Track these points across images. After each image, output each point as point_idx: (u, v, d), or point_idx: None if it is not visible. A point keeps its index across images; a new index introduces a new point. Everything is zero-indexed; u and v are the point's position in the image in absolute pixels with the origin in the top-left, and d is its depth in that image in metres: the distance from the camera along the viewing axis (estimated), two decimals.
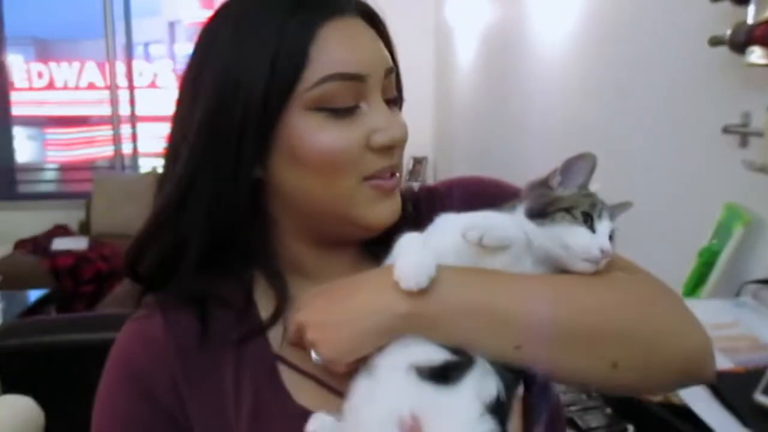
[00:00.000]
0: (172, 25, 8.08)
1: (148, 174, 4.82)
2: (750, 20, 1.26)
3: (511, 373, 0.57)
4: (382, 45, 0.66)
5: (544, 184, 0.64)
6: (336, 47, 0.61)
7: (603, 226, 0.60)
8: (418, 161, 4.84)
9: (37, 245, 4.24)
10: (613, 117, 2.03)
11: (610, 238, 0.60)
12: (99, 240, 4.34)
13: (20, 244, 4.31)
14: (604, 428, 1.08)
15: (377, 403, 0.55)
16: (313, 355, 0.59)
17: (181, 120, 0.65)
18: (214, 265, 0.65)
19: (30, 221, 4.63)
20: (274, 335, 0.66)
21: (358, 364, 0.58)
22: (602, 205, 0.61)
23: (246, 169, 0.62)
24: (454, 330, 0.56)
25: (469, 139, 4.03)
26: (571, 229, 0.59)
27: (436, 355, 0.56)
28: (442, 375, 0.54)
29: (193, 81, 0.64)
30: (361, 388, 0.57)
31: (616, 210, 0.63)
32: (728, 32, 1.33)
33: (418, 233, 0.61)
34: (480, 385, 0.54)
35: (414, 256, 0.58)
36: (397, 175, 0.66)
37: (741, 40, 1.29)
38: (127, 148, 5.18)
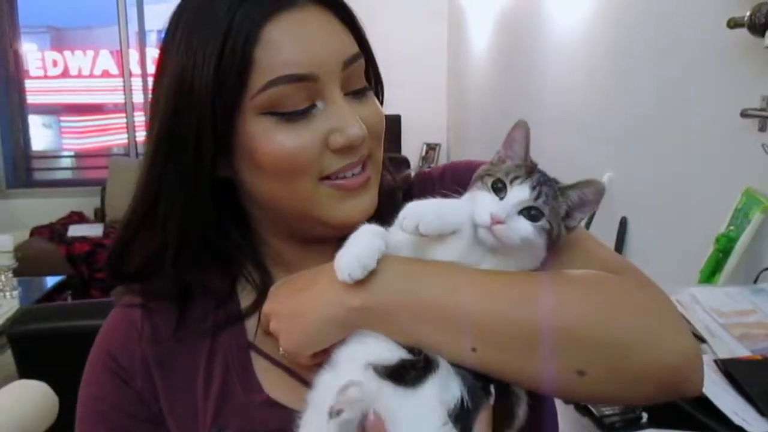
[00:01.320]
0: None
1: None
2: None
3: (481, 380, 0.53)
4: (341, 35, 0.62)
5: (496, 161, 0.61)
6: (281, 47, 0.58)
7: (513, 194, 0.55)
8: (431, 147, 4.82)
9: (53, 232, 4.29)
10: (630, 101, 2.01)
11: (534, 213, 0.55)
12: (114, 226, 4.37)
13: (37, 231, 4.36)
14: (618, 415, 1.07)
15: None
16: (281, 345, 0.59)
17: (150, 121, 0.63)
18: (202, 255, 0.65)
19: (46, 208, 4.68)
20: (252, 325, 0.66)
21: (325, 356, 0.57)
22: (529, 176, 0.56)
23: (206, 172, 0.61)
24: (405, 327, 0.54)
25: (482, 125, 3.99)
26: (477, 195, 0.56)
27: (392, 353, 0.53)
28: (400, 375, 0.52)
29: (156, 84, 0.62)
30: (322, 382, 0.55)
31: (568, 189, 0.58)
32: (747, 14, 1.30)
33: (374, 225, 0.58)
34: (443, 389, 0.51)
35: (355, 246, 0.55)
36: (368, 165, 0.63)
37: (761, 22, 1.26)
38: (141, 136, 5.20)
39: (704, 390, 0.98)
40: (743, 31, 1.33)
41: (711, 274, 1.43)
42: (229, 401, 0.62)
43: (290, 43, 0.58)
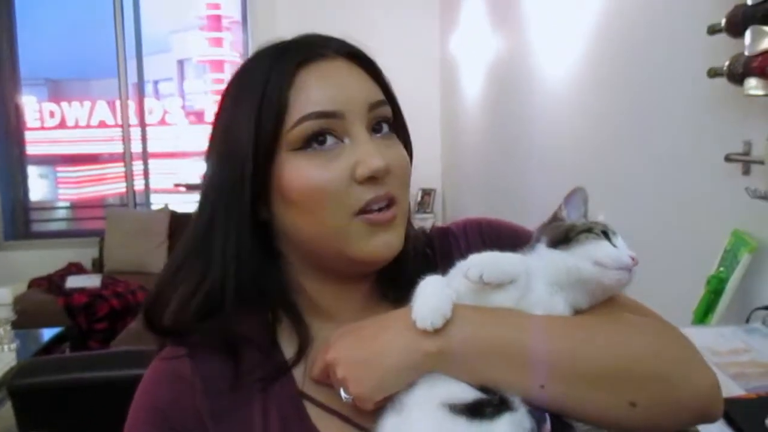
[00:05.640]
0: (181, 63, 8.22)
1: (160, 210, 4.87)
2: (746, 52, 1.29)
3: (539, 410, 0.59)
4: (366, 82, 0.68)
5: (554, 219, 0.68)
6: (312, 88, 0.65)
7: (620, 241, 0.63)
8: (427, 192, 4.87)
9: (51, 283, 4.28)
10: (617, 147, 2.06)
11: None
12: (112, 277, 4.37)
13: (35, 282, 4.35)
14: None
15: None
16: (342, 393, 0.61)
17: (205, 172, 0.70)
18: (236, 306, 0.67)
19: (44, 259, 4.67)
20: (298, 374, 0.68)
21: (385, 402, 0.60)
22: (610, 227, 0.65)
23: (248, 214, 0.66)
24: (481, 369, 0.59)
25: (477, 169, 4.05)
26: (597, 244, 0.62)
27: (465, 393, 0.58)
28: (475, 412, 0.56)
29: (210, 136, 0.70)
30: (390, 425, 0.59)
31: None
32: (726, 64, 1.36)
33: (438, 276, 0.63)
34: (518, 423, 0.56)
35: (430, 297, 0.60)
36: (395, 205, 0.67)
37: (739, 72, 1.32)
38: (138, 185, 5.24)
39: (701, 429, 1.00)
40: (723, 80, 1.38)
41: (704, 314, 1.45)
42: None
43: (319, 86, 0.65)
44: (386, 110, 0.69)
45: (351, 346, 0.62)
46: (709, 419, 0.64)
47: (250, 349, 0.67)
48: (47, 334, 3.17)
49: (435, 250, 0.76)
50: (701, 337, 1.28)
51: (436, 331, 0.58)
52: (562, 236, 0.64)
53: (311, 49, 0.67)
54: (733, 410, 1.04)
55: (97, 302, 3.96)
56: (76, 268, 4.68)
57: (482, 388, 0.58)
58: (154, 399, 0.66)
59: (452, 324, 0.59)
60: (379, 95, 0.69)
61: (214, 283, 0.66)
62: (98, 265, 4.74)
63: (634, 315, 0.66)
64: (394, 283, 0.71)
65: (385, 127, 0.69)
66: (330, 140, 0.65)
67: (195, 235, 0.68)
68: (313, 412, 0.66)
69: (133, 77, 5.16)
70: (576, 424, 0.63)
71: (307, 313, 0.71)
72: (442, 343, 0.59)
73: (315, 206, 0.64)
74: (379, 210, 0.65)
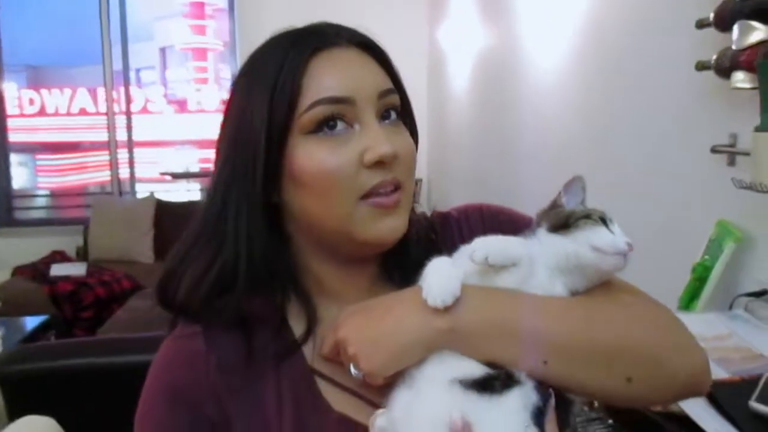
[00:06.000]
0: (163, 51, 8.13)
1: (145, 199, 4.84)
2: (734, 46, 1.33)
3: (545, 385, 0.61)
4: (376, 70, 0.71)
5: (554, 206, 0.70)
6: (325, 75, 0.67)
7: (617, 229, 0.66)
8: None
9: (36, 271, 4.24)
10: (606, 139, 2.09)
11: None
12: (97, 265, 4.34)
13: (19, 271, 4.30)
14: None
15: (425, 411, 0.59)
16: (352, 369, 0.64)
17: (215, 155, 0.72)
18: (247, 286, 0.68)
19: (27, 247, 4.62)
20: (307, 351, 0.70)
21: (394, 378, 0.62)
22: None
23: (260, 197, 0.68)
24: (488, 346, 0.61)
25: (463, 160, 4.08)
26: (595, 230, 0.65)
27: (473, 369, 0.60)
28: (484, 387, 0.59)
29: (222, 122, 0.72)
30: (401, 400, 0.61)
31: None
32: (713, 58, 1.39)
33: (446, 257, 0.66)
34: (526, 397, 0.59)
35: (440, 276, 0.63)
36: (400, 190, 0.69)
37: (726, 65, 1.35)
38: (124, 173, 5.20)
39: (687, 411, 1.03)
40: (710, 74, 1.42)
41: (689, 301, 1.49)
42: (304, 422, 0.66)
43: (332, 73, 0.67)
44: (395, 98, 0.71)
45: (362, 324, 0.65)
46: (699, 393, 0.69)
47: (262, 328, 0.69)
48: (32, 322, 3.15)
49: (437, 235, 0.78)
50: (686, 323, 1.31)
51: (446, 309, 0.61)
52: (563, 222, 0.67)
53: (324, 37, 0.69)
54: (718, 393, 1.08)
55: (83, 291, 3.93)
56: (60, 257, 4.64)
57: (489, 364, 0.61)
58: (171, 377, 0.68)
59: (461, 303, 0.61)
60: (389, 84, 0.71)
61: (226, 264, 0.68)
62: (83, 254, 4.70)
63: (628, 296, 0.69)
64: (399, 265, 0.74)
65: (393, 115, 0.71)
66: (340, 125, 0.67)
67: (206, 218, 0.70)
68: (323, 386, 0.69)
69: (116, 65, 5.11)
70: (576, 399, 0.66)
71: (314, 294, 0.73)
72: (452, 320, 0.61)
73: (324, 189, 0.66)
74: (385, 194, 0.67)
